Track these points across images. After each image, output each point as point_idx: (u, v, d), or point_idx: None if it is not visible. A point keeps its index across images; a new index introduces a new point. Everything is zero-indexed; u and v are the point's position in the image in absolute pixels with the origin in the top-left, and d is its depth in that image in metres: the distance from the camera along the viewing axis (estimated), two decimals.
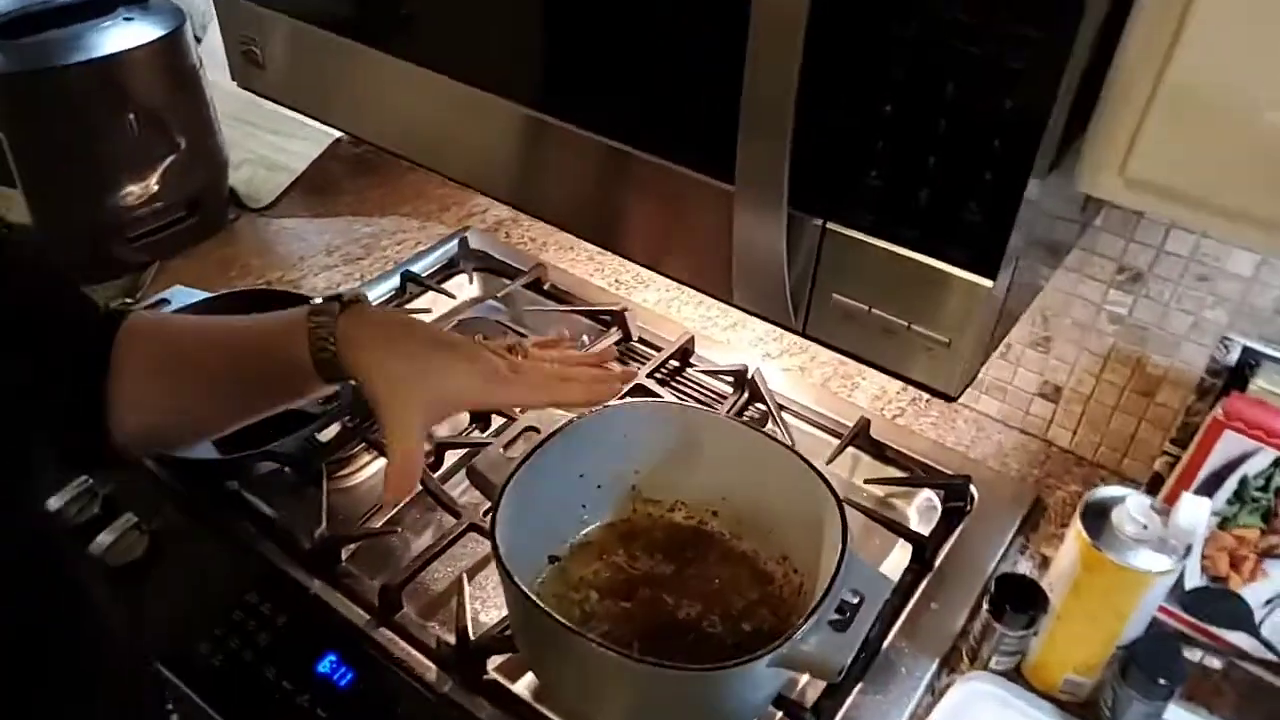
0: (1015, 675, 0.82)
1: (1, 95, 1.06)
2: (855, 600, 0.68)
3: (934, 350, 0.61)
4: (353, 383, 0.66)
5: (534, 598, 0.65)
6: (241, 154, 1.40)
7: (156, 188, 1.20)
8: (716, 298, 0.71)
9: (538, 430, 0.81)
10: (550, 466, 0.80)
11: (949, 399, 0.63)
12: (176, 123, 1.21)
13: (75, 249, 1.17)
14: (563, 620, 0.65)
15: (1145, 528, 0.71)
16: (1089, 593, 0.74)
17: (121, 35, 1.12)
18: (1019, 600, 0.78)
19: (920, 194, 0.57)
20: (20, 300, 0.62)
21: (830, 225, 0.61)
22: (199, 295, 1.05)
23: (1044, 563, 0.92)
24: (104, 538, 0.86)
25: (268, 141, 1.40)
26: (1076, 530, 0.74)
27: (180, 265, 1.25)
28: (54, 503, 0.90)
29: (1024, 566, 0.93)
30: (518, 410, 0.91)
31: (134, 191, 1.18)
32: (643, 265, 0.74)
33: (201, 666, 0.82)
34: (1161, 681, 0.72)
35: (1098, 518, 0.74)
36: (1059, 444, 1.07)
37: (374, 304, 0.70)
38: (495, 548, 0.69)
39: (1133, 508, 0.72)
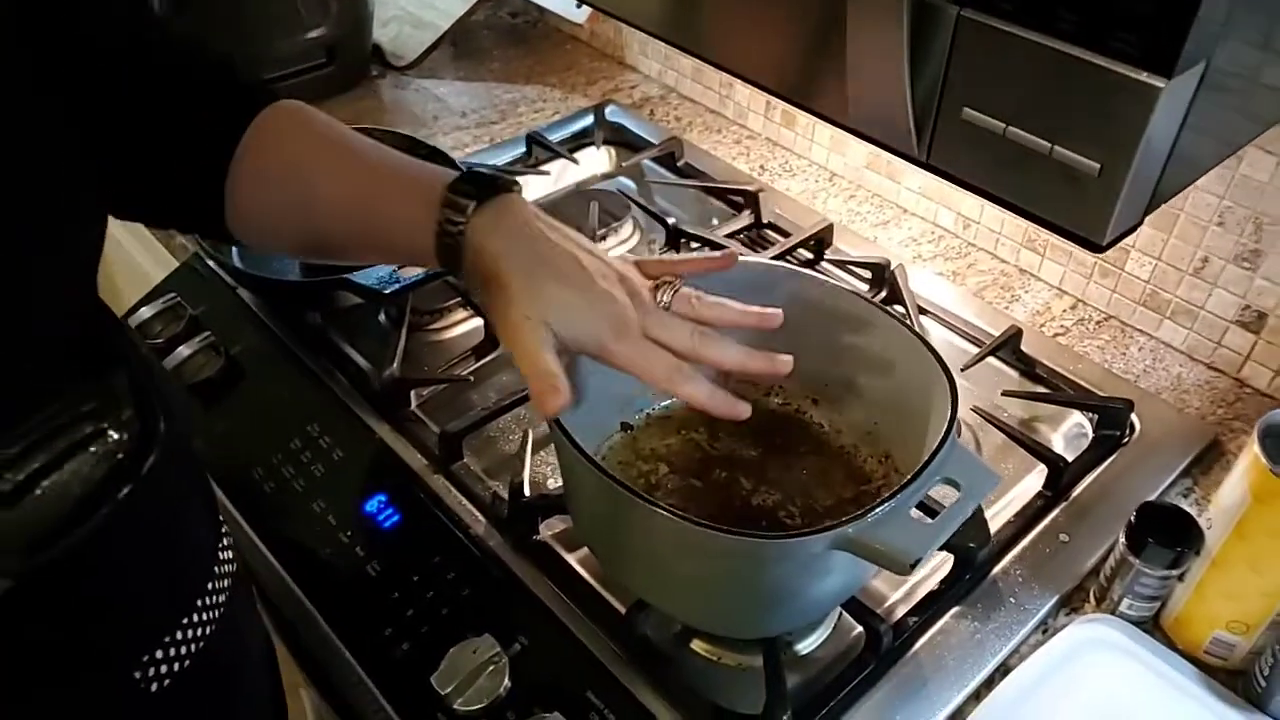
0: (1151, 627, 0.68)
1: None
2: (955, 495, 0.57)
3: (1081, 181, 0.48)
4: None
5: (562, 424, 0.57)
6: (391, 10, 1.37)
7: (295, 28, 1.17)
8: (831, 120, 0.59)
9: None
10: None
11: (1096, 248, 0.50)
12: None
13: None
14: (593, 459, 0.56)
15: None
16: (1259, 530, 0.59)
17: None
18: (1166, 534, 0.64)
19: None
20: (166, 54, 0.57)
21: (966, 13, 0.49)
22: None
23: (1208, 508, 0.77)
24: (181, 351, 0.84)
25: None
26: (1252, 454, 0.59)
27: None
28: (145, 312, 0.89)
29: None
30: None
31: (272, 29, 1.16)
32: (753, 82, 0.64)
33: (253, 490, 0.79)
34: None
35: None
36: (1254, 384, 0.89)
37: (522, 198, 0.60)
38: None
39: None
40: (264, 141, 0.59)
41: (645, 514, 0.56)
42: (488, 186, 0.57)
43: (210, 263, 0.97)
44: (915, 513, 0.56)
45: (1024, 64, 0.48)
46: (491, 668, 0.64)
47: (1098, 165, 0.47)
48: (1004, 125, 0.50)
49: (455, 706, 0.62)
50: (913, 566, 0.52)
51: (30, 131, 0.45)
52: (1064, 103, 0.47)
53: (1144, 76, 0.44)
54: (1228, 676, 0.65)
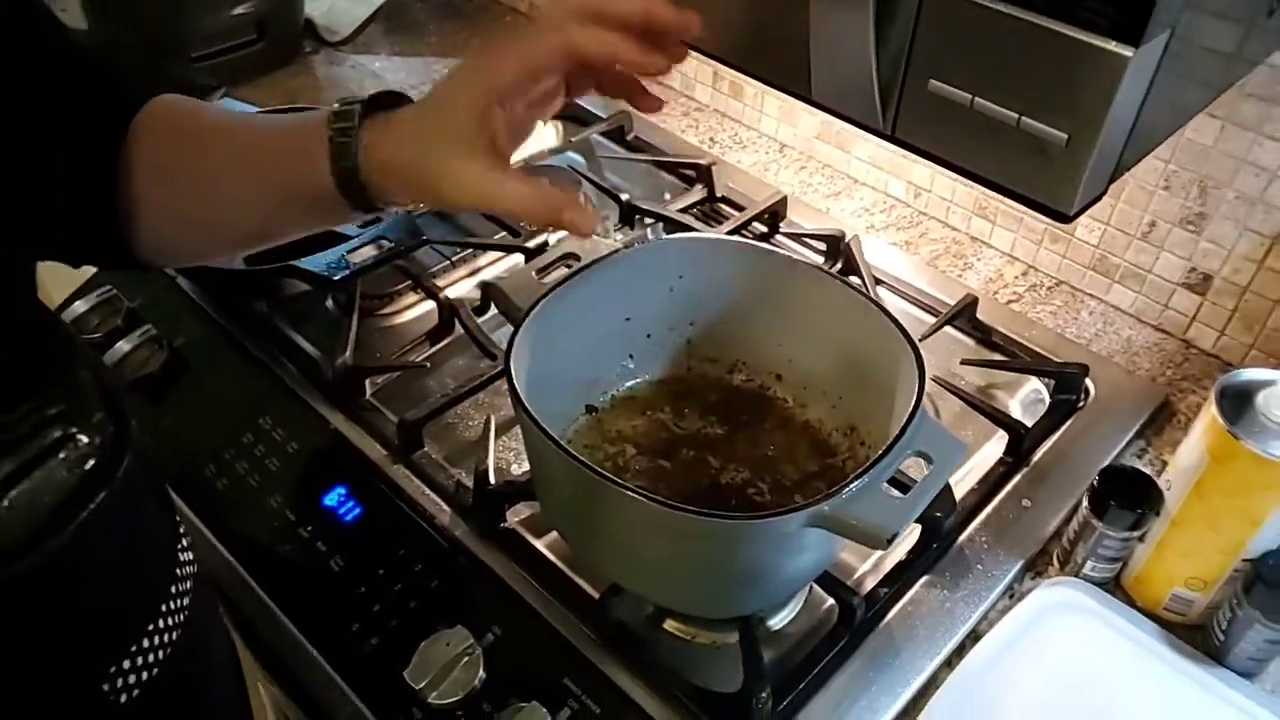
0: (1113, 587, 0.70)
1: None
2: (925, 467, 0.57)
3: (1048, 152, 0.48)
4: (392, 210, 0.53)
5: (530, 411, 0.56)
6: None
7: (221, 2, 1.13)
8: (794, 94, 0.59)
9: (578, 258, 0.71)
10: (589, 301, 0.70)
11: (1064, 219, 0.50)
12: None
13: (132, 64, 1.11)
14: (563, 445, 0.55)
15: None
16: (1216, 490, 0.61)
17: None
18: (1127, 497, 0.65)
19: None
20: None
21: None
22: (247, 109, 0.98)
23: (1166, 469, 0.78)
24: (121, 346, 0.81)
25: None
26: (1210, 415, 0.60)
27: (247, 94, 1.18)
28: (80, 306, 0.85)
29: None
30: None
31: (196, 3, 1.11)
32: (713, 56, 0.62)
33: (206, 488, 0.76)
34: None
35: (1238, 401, 0.60)
36: (1200, 345, 0.91)
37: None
38: (509, 374, 0.60)
39: None
40: (149, 128, 0.55)
41: (616, 497, 0.55)
42: (373, 101, 0.53)
43: None
44: (884, 486, 0.56)
45: (991, 35, 0.48)
46: (466, 659, 0.63)
47: (1065, 136, 0.47)
48: (971, 97, 0.50)
49: (430, 701, 0.61)
50: (889, 541, 0.52)
51: (31, 131, 0.43)
52: (1031, 73, 0.47)
53: (1112, 45, 0.44)
54: (1186, 631, 0.67)
